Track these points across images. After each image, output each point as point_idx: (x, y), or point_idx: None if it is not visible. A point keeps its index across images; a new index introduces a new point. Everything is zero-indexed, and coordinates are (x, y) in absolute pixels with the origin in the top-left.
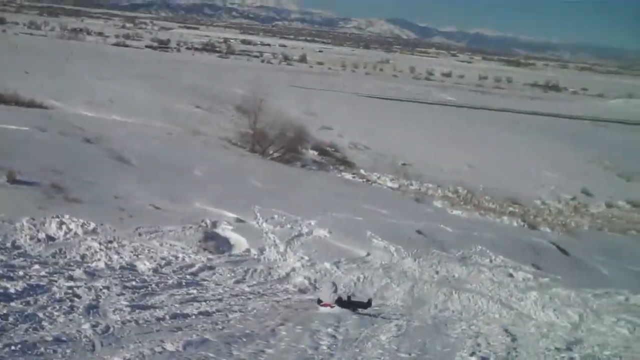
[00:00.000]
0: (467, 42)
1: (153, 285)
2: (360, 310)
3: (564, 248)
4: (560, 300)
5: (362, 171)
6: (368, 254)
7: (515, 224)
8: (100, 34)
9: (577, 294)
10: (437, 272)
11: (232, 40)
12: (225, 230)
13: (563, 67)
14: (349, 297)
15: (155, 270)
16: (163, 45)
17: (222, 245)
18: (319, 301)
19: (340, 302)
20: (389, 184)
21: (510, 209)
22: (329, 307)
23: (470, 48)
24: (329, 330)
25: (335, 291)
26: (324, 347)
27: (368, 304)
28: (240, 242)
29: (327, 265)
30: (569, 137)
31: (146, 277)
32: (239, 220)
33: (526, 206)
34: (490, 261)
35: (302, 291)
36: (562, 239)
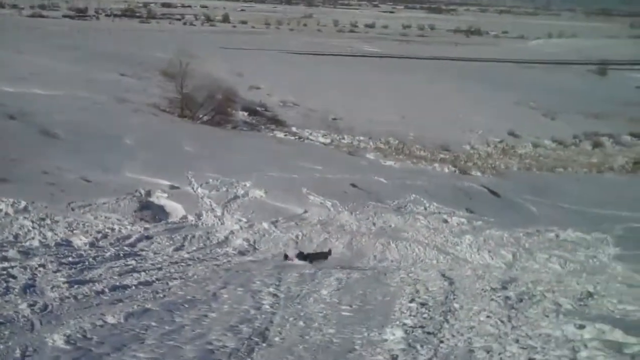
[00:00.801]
0: None
1: (90, 260)
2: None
3: (495, 190)
4: (494, 241)
5: (293, 129)
6: (305, 211)
7: (446, 170)
8: (14, 6)
9: (510, 234)
10: (374, 224)
11: (152, 4)
12: (160, 199)
13: (483, 12)
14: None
15: (91, 244)
16: (81, 13)
17: (158, 213)
18: (285, 256)
19: (300, 255)
20: (321, 139)
21: (441, 155)
22: (291, 261)
23: None
24: (271, 289)
25: (296, 247)
26: (267, 307)
27: (328, 253)
28: (176, 209)
29: (266, 225)
30: (494, 80)
31: (83, 252)
32: (173, 187)
33: (456, 152)
34: (425, 209)
35: (241, 253)
36: (492, 182)
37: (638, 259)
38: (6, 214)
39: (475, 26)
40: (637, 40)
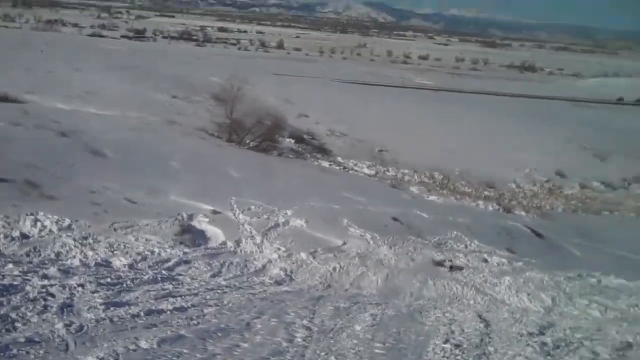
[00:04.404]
0: (444, 24)
1: (128, 282)
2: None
3: (538, 231)
4: (534, 284)
5: (339, 158)
6: (344, 243)
7: (490, 208)
8: (75, 24)
9: (551, 277)
10: (412, 260)
11: (208, 28)
12: (201, 223)
13: (539, 47)
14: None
15: (130, 266)
16: (139, 34)
17: (198, 238)
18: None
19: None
20: (366, 170)
21: (486, 192)
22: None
23: (447, 30)
24: (304, 322)
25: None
26: (299, 340)
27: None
28: (216, 234)
29: (304, 255)
30: (546, 118)
31: (121, 274)
32: (215, 212)
33: (501, 189)
34: (466, 247)
35: (278, 283)
36: (536, 222)
37: None
38: (50, 231)
39: (530, 62)
40: None
